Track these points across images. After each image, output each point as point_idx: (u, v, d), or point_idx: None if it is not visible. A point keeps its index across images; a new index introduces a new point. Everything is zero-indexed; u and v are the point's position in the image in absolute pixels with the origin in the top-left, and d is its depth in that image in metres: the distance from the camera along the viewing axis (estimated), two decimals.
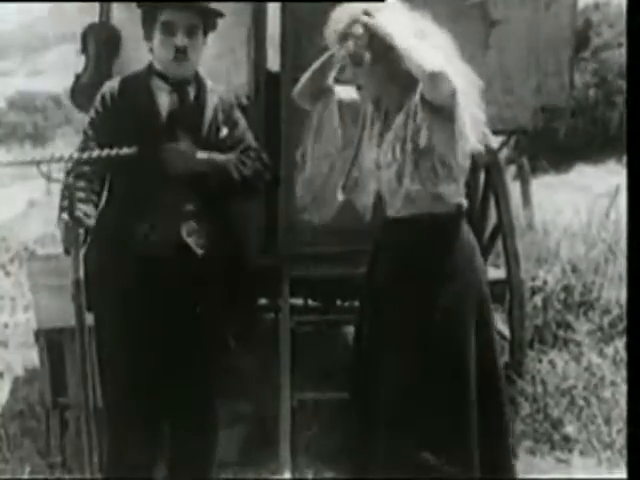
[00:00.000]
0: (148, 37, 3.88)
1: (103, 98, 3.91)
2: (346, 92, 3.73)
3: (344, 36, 3.52)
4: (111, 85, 3.96)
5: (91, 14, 5.43)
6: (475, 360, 3.54)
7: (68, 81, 5.41)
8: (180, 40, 3.79)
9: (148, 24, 3.85)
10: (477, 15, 5.25)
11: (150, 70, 3.93)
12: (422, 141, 3.45)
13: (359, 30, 3.47)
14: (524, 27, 5.35)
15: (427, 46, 3.38)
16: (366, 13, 3.46)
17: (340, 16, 3.54)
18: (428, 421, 3.47)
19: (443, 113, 3.42)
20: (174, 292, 3.87)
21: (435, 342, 3.50)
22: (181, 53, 3.80)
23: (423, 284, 3.53)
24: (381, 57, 3.48)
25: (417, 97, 3.45)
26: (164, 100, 3.89)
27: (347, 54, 3.52)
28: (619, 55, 17.19)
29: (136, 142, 3.75)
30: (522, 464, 5.06)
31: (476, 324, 3.56)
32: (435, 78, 3.32)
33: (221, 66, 4.41)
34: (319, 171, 3.82)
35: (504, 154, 6.65)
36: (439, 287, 3.53)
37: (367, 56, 3.49)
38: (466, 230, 3.66)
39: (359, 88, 3.63)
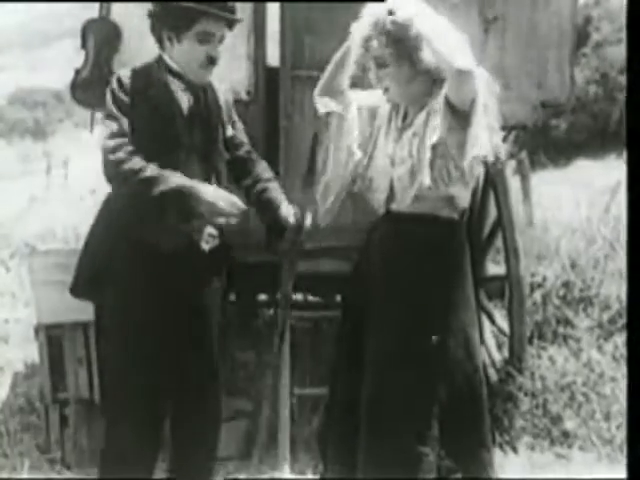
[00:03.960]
0: (175, 40, 3.86)
1: (120, 82, 3.86)
2: (364, 97, 3.73)
3: (369, 38, 3.51)
4: (124, 74, 3.91)
5: (91, 9, 5.43)
6: (456, 362, 3.56)
7: (68, 76, 5.41)
8: (214, 50, 3.84)
9: (180, 29, 3.83)
10: (476, 10, 5.26)
11: (162, 67, 3.91)
12: (439, 141, 3.46)
13: (384, 30, 3.47)
14: (524, 22, 5.35)
15: (455, 45, 3.38)
16: (390, 13, 3.46)
17: (363, 20, 3.53)
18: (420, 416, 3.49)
19: (462, 116, 3.42)
20: (180, 288, 3.87)
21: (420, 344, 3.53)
22: (212, 62, 3.85)
23: (414, 281, 3.55)
24: (406, 57, 3.49)
25: (441, 98, 3.45)
26: (183, 99, 3.89)
27: (372, 56, 3.53)
28: (619, 51, 17.20)
29: (158, 136, 3.76)
30: (521, 459, 5.08)
31: (456, 335, 3.58)
32: (463, 75, 3.33)
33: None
34: (338, 174, 3.82)
35: (504, 149, 6.64)
36: (431, 285, 3.55)
37: (392, 57, 3.50)
38: (464, 240, 3.67)
39: (385, 90, 3.62)
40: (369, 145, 3.73)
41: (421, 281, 3.55)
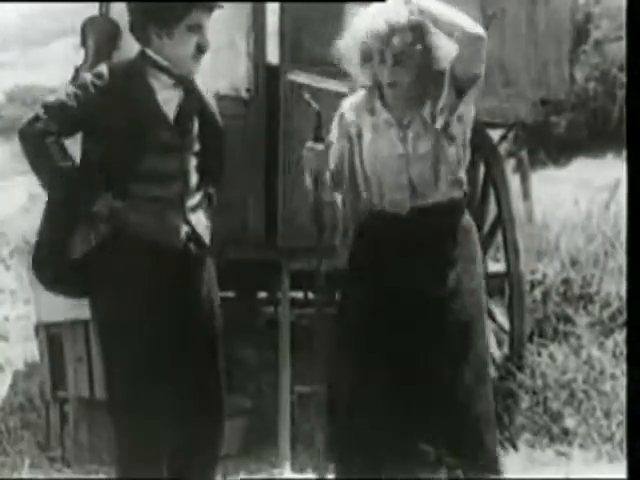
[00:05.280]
0: (165, 35, 3.85)
1: (99, 76, 3.84)
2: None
3: (390, 33, 3.48)
4: (102, 69, 3.89)
5: (91, 8, 5.44)
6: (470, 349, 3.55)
7: (68, 74, 5.41)
8: (204, 39, 3.83)
9: (171, 23, 3.83)
10: (476, 7, 5.25)
11: (148, 63, 3.90)
12: (452, 126, 3.50)
13: (409, 26, 3.47)
14: (524, 20, 5.36)
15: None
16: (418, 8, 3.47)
17: (375, 16, 3.51)
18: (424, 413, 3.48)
19: (460, 92, 3.47)
20: (183, 282, 3.86)
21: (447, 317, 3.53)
22: (202, 51, 3.84)
23: (437, 269, 3.55)
24: (428, 54, 3.49)
25: (447, 80, 3.46)
26: (166, 96, 3.87)
27: (391, 52, 3.48)
28: (619, 48, 17.18)
29: (133, 135, 3.74)
30: (522, 457, 5.07)
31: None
32: (479, 42, 3.38)
33: (221, 59, 4.40)
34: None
35: (503, 147, 6.65)
36: (455, 271, 3.56)
37: (416, 53, 3.49)
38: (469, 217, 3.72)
39: (391, 85, 3.57)
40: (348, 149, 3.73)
41: (446, 266, 3.57)
